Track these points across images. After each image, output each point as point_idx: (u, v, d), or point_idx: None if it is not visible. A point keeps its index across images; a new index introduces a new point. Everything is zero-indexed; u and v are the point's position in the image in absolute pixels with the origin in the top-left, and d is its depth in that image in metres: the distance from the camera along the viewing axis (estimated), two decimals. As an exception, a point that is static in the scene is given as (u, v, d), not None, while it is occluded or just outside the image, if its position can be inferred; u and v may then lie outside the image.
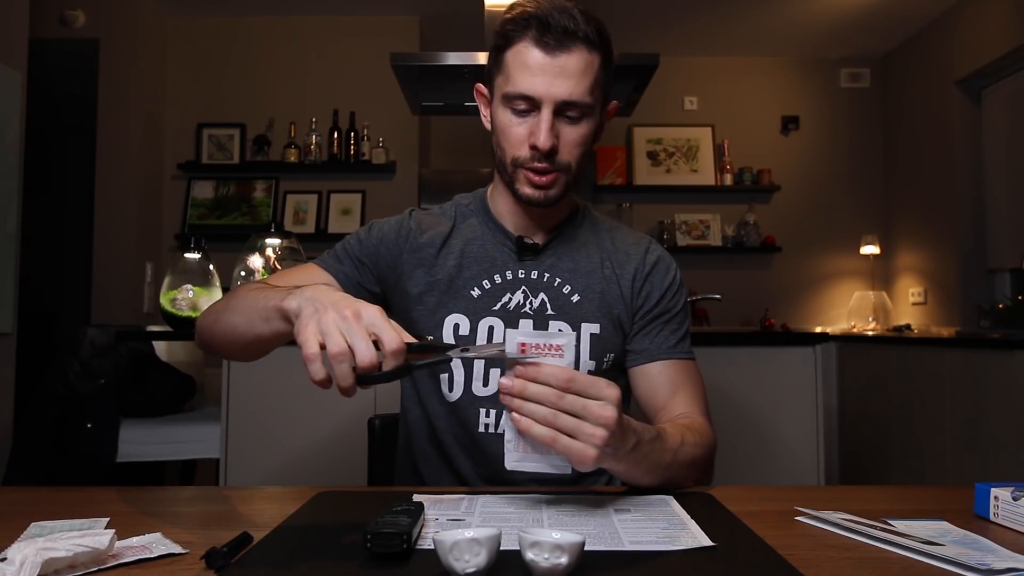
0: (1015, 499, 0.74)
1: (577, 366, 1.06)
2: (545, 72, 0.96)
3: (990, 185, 3.85)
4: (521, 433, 0.75)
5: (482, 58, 2.55)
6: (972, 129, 3.93)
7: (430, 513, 0.76)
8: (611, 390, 0.75)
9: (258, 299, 0.85)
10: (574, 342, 0.79)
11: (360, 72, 4.15)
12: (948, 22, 4.01)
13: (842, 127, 4.66)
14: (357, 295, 1.07)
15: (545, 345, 0.75)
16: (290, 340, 0.80)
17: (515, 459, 0.77)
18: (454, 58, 2.62)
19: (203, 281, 2.39)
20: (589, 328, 1.07)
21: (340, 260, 1.12)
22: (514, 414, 0.74)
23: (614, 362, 1.10)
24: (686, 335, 1.12)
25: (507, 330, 0.82)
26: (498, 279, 1.08)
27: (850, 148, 4.65)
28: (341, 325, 0.70)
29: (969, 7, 3.84)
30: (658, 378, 1.08)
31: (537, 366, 0.74)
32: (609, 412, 0.74)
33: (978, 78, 3.85)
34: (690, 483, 0.92)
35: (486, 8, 2.58)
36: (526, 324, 1.06)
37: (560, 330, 1.06)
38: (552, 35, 0.96)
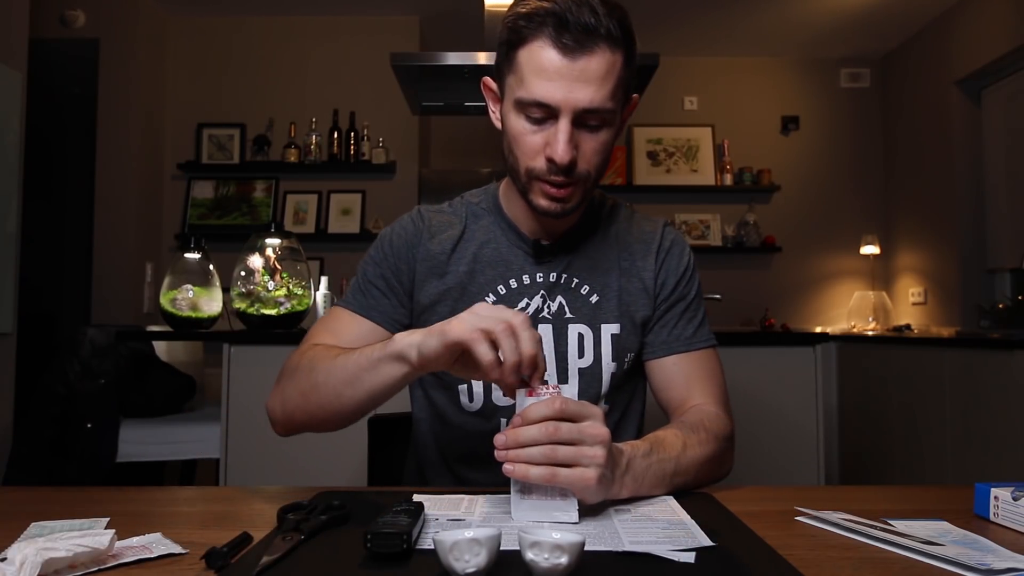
0: (1015, 499, 0.73)
1: (600, 368, 1.03)
2: (563, 77, 0.86)
3: (990, 185, 3.85)
4: (519, 481, 0.73)
5: (482, 58, 2.55)
6: (972, 129, 3.93)
7: (430, 513, 0.75)
8: (597, 408, 0.74)
9: (350, 361, 0.85)
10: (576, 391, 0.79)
11: (360, 72, 4.16)
12: (948, 22, 4.00)
13: (842, 127, 4.66)
14: (393, 330, 1.01)
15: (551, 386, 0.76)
16: (399, 388, 0.85)
17: (522, 508, 0.75)
18: (454, 58, 2.62)
19: (203, 281, 2.39)
20: (609, 329, 1.03)
21: (365, 294, 1.04)
22: (506, 465, 0.71)
23: (634, 361, 1.06)
24: (703, 322, 1.08)
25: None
26: (514, 283, 1.03)
27: (850, 148, 4.65)
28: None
29: (969, 7, 3.83)
30: (673, 370, 1.04)
31: (523, 412, 0.73)
32: (600, 429, 0.73)
33: (978, 78, 3.85)
34: (704, 482, 0.90)
35: (486, 8, 2.58)
36: (544, 329, 1.02)
37: (580, 333, 1.03)
38: (571, 34, 0.85)
